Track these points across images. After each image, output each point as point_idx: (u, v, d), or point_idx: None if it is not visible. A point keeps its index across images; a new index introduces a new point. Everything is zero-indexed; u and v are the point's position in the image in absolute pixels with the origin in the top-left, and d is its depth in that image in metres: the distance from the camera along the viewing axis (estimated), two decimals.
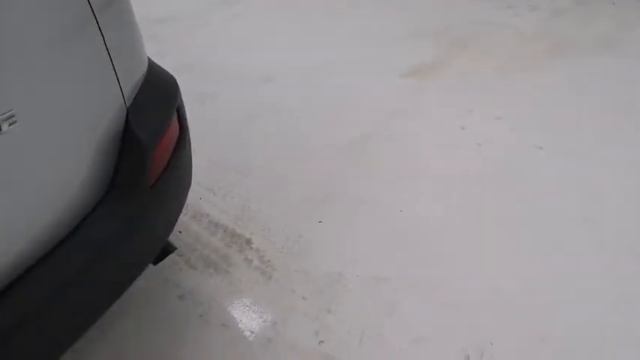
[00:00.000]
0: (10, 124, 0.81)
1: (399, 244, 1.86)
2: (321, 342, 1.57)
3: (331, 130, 2.45)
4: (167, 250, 1.57)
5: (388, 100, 2.64)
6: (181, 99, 1.31)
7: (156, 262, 1.61)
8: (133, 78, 1.14)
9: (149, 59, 1.30)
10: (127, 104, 1.12)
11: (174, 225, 1.33)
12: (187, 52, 3.20)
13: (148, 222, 1.14)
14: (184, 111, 1.32)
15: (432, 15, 3.48)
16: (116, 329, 1.62)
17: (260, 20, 3.58)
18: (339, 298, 1.69)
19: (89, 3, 0.96)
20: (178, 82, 1.33)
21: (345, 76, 2.88)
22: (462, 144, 2.32)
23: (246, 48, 3.25)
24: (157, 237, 1.25)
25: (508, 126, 2.41)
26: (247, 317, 1.65)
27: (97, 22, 0.99)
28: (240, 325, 1.63)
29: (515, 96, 2.62)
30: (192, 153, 1.47)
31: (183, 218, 2.01)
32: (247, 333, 1.61)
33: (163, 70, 1.33)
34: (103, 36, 0.99)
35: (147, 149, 1.10)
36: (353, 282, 1.74)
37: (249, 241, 1.91)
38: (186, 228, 1.97)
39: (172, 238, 1.91)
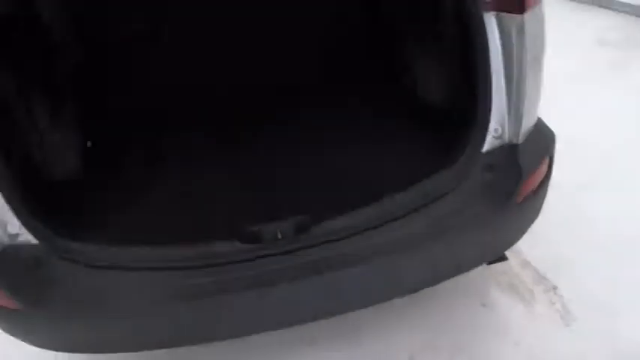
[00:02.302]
0: None
1: None
2: None
3: None
4: (501, 257, 1.93)
5: None
6: (554, 148, 1.65)
7: (490, 262, 1.98)
8: (529, 121, 1.54)
9: None
10: (520, 140, 1.52)
11: (517, 240, 1.68)
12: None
13: (510, 226, 1.53)
14: (553, 159, 1.65)
15: None
16: (429, 308, 2.05)
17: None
18: None
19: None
20: None
21: None
22: None
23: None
24: (508, 241, 1.63)
25: None
26: (539, 349, 1.87)
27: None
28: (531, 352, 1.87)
29: None
30: None
31: None
32: None
33: (546, 125, 1.69)
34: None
35: (523, 175, 1.48)
36: None
37: (555, 288, 2.11)
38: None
39: None
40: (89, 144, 1.91)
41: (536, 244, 2.34)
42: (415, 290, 1.70)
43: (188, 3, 2.26)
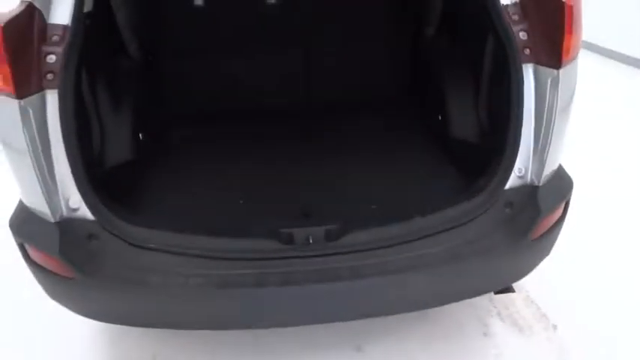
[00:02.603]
0: None
1: None
2: None
3: None
4: (508, 288, 2.06)
5: None
6: (571, 194, 1.77)
7: (497, 292, 2.11)
8: (551, 166, 1.67)
9: None
10: (540, 183, 1.65)
11: (526, 274, 1.79)
12: None
13: (520, 261, 1.65)
14: (569, 204, 1.77)
15: None
16: (432, 332, 2.15)
17: None
18: None
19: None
20: None
21: None
22: None
23: None
24: (517, 274, 1.75)
25: None
26: None
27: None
28: None
29: None
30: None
31: None
32: None
33: (566, 171, 1.82)
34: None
35: (540, 215, 1.61)
36: None
37: (555, 327, 2.21)
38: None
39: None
40: (141, 136, 2.06)
41: (541, 283, 2.45)
42: (425, 307, 1.82)
43: (239, 16, 2.44)
